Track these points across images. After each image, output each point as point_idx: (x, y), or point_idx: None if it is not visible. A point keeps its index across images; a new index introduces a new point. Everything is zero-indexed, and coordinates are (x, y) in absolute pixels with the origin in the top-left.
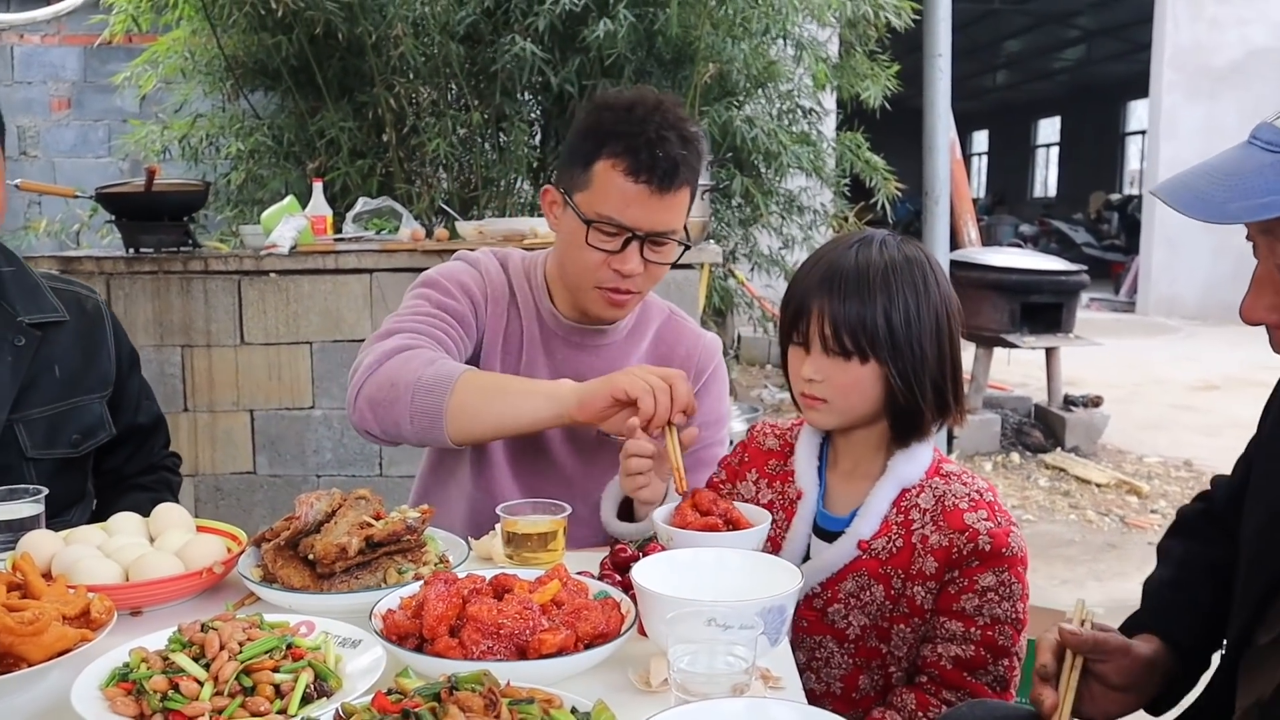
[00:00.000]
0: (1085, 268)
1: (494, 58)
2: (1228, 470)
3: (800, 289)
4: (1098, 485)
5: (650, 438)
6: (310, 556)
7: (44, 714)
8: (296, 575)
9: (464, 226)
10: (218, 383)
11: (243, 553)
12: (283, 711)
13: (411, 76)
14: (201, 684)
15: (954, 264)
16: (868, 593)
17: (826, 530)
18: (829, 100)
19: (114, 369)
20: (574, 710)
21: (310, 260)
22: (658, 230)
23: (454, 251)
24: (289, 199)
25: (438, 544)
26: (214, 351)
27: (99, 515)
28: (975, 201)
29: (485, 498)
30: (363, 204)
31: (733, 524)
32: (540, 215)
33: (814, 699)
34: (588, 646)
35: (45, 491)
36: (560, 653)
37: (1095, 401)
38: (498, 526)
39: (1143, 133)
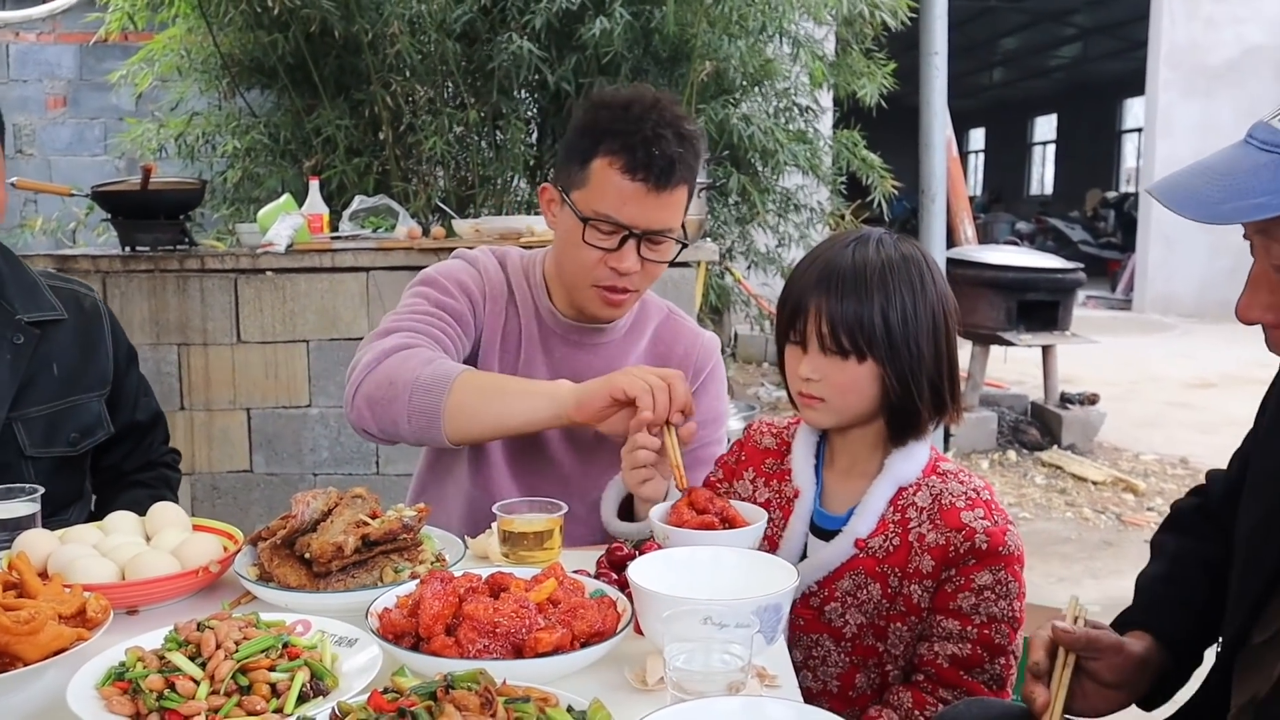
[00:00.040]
0: (1082, 265)
1: (490, 56)
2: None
3: (797, 288)
4: (1094, 483)
5: (650, 436)
6: (306, 555)
7: (40, 713)
8: (293, 574)
9: (461, 225)
10: (214, 381)
11: (239, 551)
12: (279, 710)
13: (408, 74)
14: (198, 683)
15: (950, 262)
16: (864, 591)
17: (823, 529)
18: (825, 98)
19: (112, 367)
20: (570, 709)
21: (307, 258)
22: (654, 228)
23: (451, 250)
24: (285, 197)
25: (434, 543)
26: (210, 350)
27: (98, 513)
28: (972, 199)
29: (483, 496)
30: (359, 202)
31: (729, 522)
32: (537, 213)
33: (810, 697)
34: (584, 645)
35: (41, 490)
36: (556, 651)
37: (1092, 399)
38: (494, 525)
39: (1139, 130)
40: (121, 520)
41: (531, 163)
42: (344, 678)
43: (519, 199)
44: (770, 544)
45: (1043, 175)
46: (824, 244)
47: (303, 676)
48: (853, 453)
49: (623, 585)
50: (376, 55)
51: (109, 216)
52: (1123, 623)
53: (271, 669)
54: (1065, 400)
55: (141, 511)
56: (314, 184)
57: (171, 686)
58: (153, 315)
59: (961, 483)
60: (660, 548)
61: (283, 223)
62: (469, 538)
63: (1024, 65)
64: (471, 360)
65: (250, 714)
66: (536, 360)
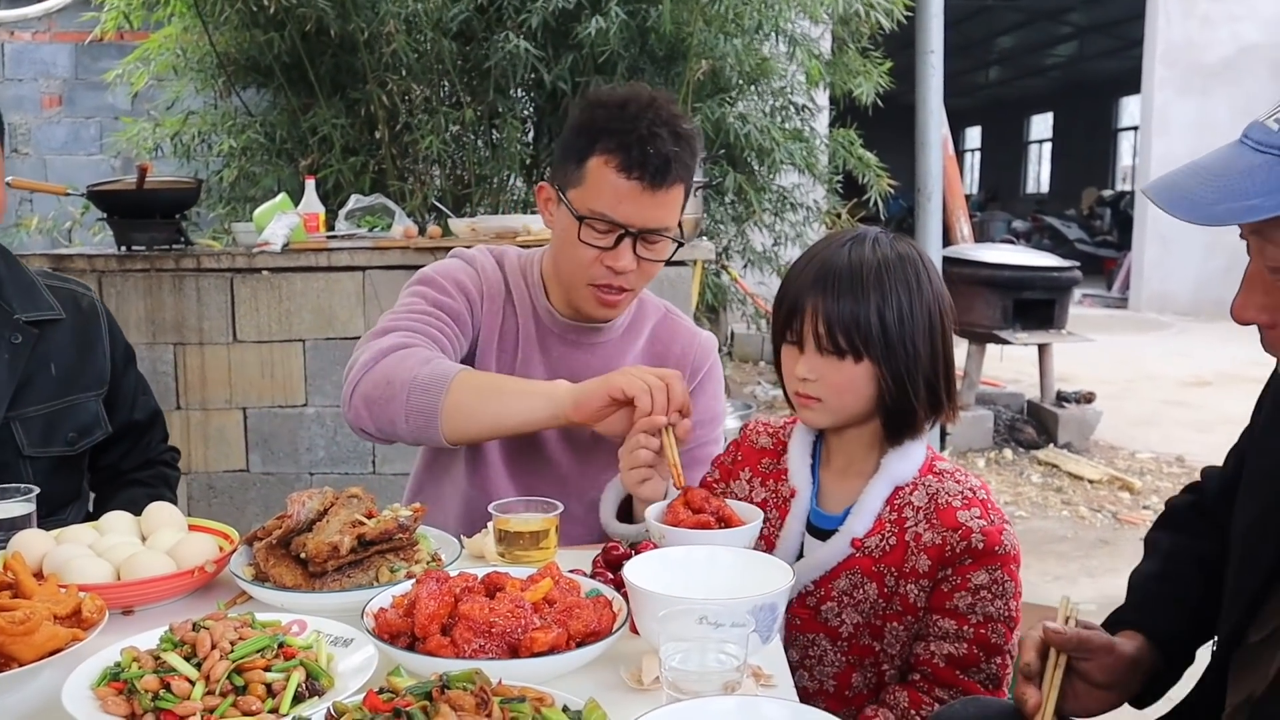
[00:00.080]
0: (1078, 264)
1: (487, 55)
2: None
3: (794, 288)
4: (1090, 481)
5: (649, 436)
6: (302, 555)
7: (35, 714)
8: (288, 574)
9: (457, 224)
10: (210, 381)
11: (234, 551)
12: (274, 710)
13: (404, 73)
14: (193, 683)
15: (947, 260)
16: (861, 591)
17: (820, 528)
18: (822, 97)
19: (109, 367)
20: (566, 709)
21: (303, 258)
22: (650, 227)
23: (447, 249)
24: (281, 196)
25: (430, 542)
26: (206, 349)
27: (96, 512)
28: (968, 198)
29: (480, 496)
30: (355, 201)
31: (725, 522)
32: (533, 212)
33: (806, 697)
34: (579, 645)
35: (36, 490)
36: (552, 651)
37: (1088, 398)
38: (490, 524)
39: (1135, 129)
40: (117, 520)
41: (528, 162)
42: (339, 678)
43: (515, 198)
44: (766, 543)
45: (1039, 174)
46: (820, 243)
47: (298, 676)
48: (849, 452)
49: (618, 585)
50: (372, 54)
51: (105, 216)
52: (1116, 620)
53: (267, 669)
54: (1061, 399)
55: (139, 510)
56: (310, 183)
57: (167, 687)
58: (148, 314)
59: (958, 482)
60: (656, 547)
61: (279, 222)
62: (466, 537)
63: (1020, 64)
64: (469, 360)
65: (246, 714)
66: (534, 360)
